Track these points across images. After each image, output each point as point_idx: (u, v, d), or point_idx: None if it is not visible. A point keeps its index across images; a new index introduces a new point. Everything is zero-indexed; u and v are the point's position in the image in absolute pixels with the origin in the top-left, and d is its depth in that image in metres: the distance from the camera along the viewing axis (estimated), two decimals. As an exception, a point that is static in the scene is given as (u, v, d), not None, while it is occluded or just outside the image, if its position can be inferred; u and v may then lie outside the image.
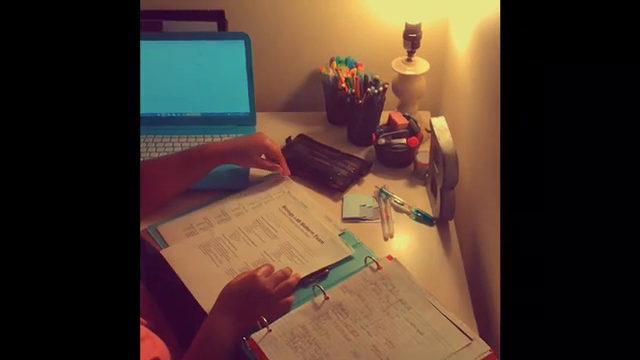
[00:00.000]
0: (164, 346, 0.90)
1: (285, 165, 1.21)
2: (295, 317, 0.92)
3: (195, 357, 0.88)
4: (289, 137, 1.35)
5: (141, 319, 0.90)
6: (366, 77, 1.31)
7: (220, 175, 1.23)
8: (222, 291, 0.93)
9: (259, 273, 0.94)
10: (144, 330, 0.89)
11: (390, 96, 1.34)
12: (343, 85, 1.31)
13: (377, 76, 1.31)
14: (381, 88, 1.29)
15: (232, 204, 1.17)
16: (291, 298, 0.95)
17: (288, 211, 1.14)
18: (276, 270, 0.97)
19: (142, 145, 1.33)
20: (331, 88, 1.36)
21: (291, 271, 0.98)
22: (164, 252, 1.06)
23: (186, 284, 1.00)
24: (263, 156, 1.19)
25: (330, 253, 1.04)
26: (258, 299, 0.92)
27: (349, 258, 1.03)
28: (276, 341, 0.89)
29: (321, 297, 0.94)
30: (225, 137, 1.35)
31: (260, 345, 0.88)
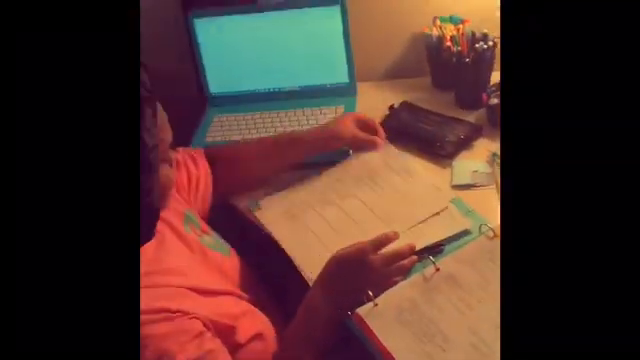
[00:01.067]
0: (267, 320, 0.86)
1: (382, 135, 1.12)
2: (403, 290, 0.85)
3: (298, 332, 0.84)
4: (392, 105, 1.27)
5: (242, 294, 0.87)
6: (473, 33, 1.20)
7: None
8: (328, 263, 0.86)
9: (370, 247, 0.85)
10: (245, 305, 0.86)
11: (501, 51, 1.22)
12: (448, 44, 1.21)
13: (486, 30, 1.19)
14: (491, 43, 1.17)
15: (333, 183, 1.09)
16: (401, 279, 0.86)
17: (396, 188, 1.06)
18: (393, 245, 0.88)
19: (242, 123, 1.32)
20: (435, 49, 1.26)
21: (411, 251, 0.88)
22: (273, 233, 1.01)
23: (288, 252, 0.96)
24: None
25: (445, 225, 0.95)
26: (365, 277, 0.84)
27: (466, 232, 0.94)
28: (383, 316, 0.82)
29: (431, 268, 0.86)
30: (325, 109, 1.30)
31: (366, 320, 0.82)
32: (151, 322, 0.70)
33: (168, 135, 0.73)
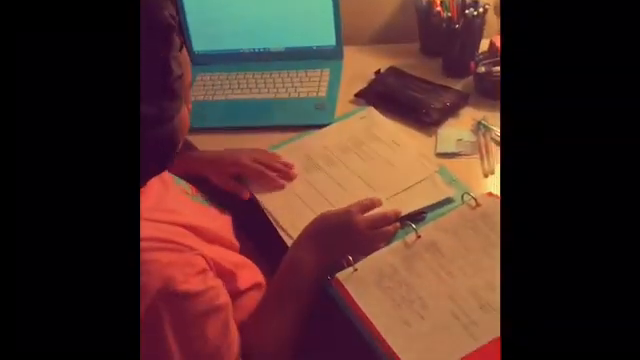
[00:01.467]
0: (259, 272, 0.87)
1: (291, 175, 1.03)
2: (384, 256, 0.84)
3: (280, 284, 0.84)
4: (378, 70, 1.25)
5: (238, 247, 0.87)
6: (464, -2, 1.18)
7: (302, 110, 1.17)
8: (314, 219, 0.87)
9: (356, 209, 0.87)
10: (241, 258, 0.86)
11: (492, 19, 1.20)
12: (438, 8, 1.19)
13: (477, -4, 1.17)
14: (481, 10, 1.15)
15: (316, 148, 1.08)
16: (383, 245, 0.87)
17: (380, 154, 1.05)
18: (378, 210, 0.89)
19: (225, 83, 1.29)
20: (425, 14, 1.24)
21: (396, 217, 0.89)
22: (261, 199, 1.00)
23: (273, 215, 0.96)
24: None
25: (428, 193, 0.95)
26: (349, 237, 0.85)
27: (449, 200, 0.93)
28: (363, 281, 0.81)
29: (413, 235, 0.86)
30: (310, 72, 1.27)
31: (345, 285, 0.81)
32: (156, 249, 0.68)
33: (189, 76, 0.73)
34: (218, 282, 0.75)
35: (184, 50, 0.69)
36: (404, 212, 0.91)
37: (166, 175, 0.88)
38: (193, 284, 0.69)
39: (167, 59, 0.64)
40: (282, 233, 0.94)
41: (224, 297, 0.74)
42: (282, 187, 1.00)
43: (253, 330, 0.80)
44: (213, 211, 0.92)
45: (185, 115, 0.73)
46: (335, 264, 0.83)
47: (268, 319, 0.82)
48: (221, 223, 0.91)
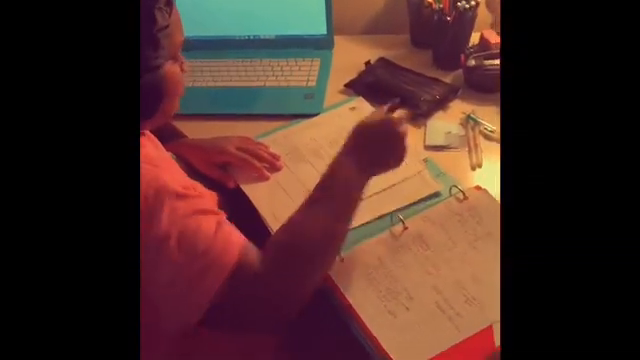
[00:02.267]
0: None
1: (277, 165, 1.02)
2: (371, 247, 0.84)
3: (320, 195, 0.79)
4: (368, 61, 1.24)
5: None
6: (456, -9, 1.18)
7: (291, 99, 1.16)
8: (352, 131, 0.84)
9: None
10: (200, 188, 0.84)
11: (483, 12, 1.20)
12: (430, 0, 1.18)
13: (469, -11, 1.17)
14: (473, 3, 1.15)
15: (304, 138, 1.07)
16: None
17: None
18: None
19: (214, 70, 1.27)
20: (416, 5, 1.24)
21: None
22: (245, 188, 0.99)
23: (256, 206, 0.96)
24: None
25: (416, 189, 0.94)
26: (387, 144, 0.83)
27: (436, 195, 0.93)
28: (349, 271, 0.82)
29: (400, 227, 0.86)
30: (300, 61, 1.26)
31: (332, 275, 0.81)
32: (148, 162, 0.70)
33: (180, 36, 0.75)
34: (206, 200, 0.76)
35: (175, 10, 0.72)
36: (391, 208, 0.90)
37: (160, 145, 0.88)
38: (180, 190, 0.70)
39: (152, 8, 0.67)
40: (265, 221, 0.93)
41: (216, 207, 0.75)
42: (267, 179, 1.00)
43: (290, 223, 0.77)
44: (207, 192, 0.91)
45: (174, 72, 0.75)
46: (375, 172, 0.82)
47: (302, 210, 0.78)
48: (207, 194, 0.90)
